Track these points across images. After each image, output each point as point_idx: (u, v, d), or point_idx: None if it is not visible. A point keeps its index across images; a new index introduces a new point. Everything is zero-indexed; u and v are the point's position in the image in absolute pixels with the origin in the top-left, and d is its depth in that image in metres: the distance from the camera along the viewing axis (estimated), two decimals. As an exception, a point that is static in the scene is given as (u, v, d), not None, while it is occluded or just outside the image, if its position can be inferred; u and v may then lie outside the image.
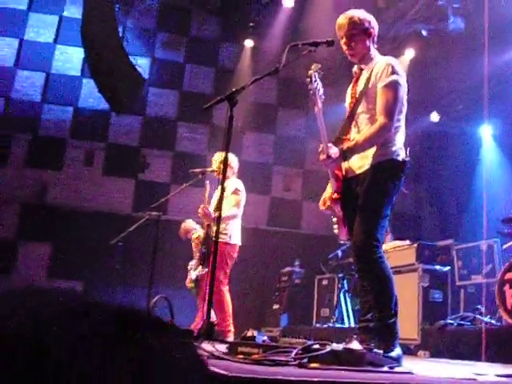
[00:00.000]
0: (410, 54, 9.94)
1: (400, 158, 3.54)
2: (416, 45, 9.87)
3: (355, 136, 3.61)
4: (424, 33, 9.55)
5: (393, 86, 3.49)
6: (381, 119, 3.46)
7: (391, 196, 3.53)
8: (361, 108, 3.61)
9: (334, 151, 3.47)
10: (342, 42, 3.70)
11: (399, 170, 3.54)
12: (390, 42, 9.23)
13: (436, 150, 10.96)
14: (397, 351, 3.26)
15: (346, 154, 3.48)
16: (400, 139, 3.59)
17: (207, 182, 5.99)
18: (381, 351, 2.79)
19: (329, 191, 3.78)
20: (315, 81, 3.47)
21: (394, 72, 3.51)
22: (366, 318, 3.45)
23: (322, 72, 3.50)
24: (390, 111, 3.46)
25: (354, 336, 2.85)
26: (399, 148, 3.56)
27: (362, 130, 3.60)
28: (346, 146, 3.50)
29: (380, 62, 3.61)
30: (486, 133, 9.99)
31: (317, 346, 2.51)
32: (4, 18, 11.19)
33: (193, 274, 7.41)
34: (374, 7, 8.53)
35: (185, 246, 7.58)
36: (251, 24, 10.82)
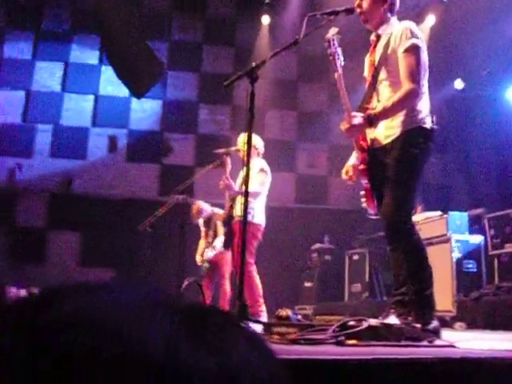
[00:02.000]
0: (430, 20, 9.73)
1: (427, 126, 3.43)
2: (436, 11, 9.65)
3: (377, 104, 3.52)
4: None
5: (414, 50, 3.38)
6: (406, 85, 3.34)
7: (421, 165, 3.43)
8: (381, 75, 3.51)
9: (358, 119, 3.37)
10: (356, 4, 3.61)
11: (427, 138, 3.43)
12: (410, 10, 9.04)
13: (462, 117, 10.73)
14: (434, 324, 3.19)
15: (372, 121, 3.38)
16: (425, 106, 3.48)
17: (228, 158, 6.03)
18: (419, 325, 2.72)
19: (352, 160, 3.70)
20: (334, 45, 3.38)
21: (413, 35, 3.40)
22: (400, 291, 3.37)
23: (340, 36, 3.40)
24: (416, 76, 3.35)
25: (391, 311, 2.78)
26: (426, 115, 3.45)
27: (382, 97, 3.51)
28: (372, 112, 3.41)
29: (397, 26, 3.51)
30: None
31: (353, 323, 2.45)
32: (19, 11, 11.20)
33: (210, 253, 7.46)
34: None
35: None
36: (267, 0, 10.66)
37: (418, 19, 9.32)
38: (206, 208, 7.85)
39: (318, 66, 11.17)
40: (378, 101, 3.53)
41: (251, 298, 5.65)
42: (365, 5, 3.58)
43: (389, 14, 3.61)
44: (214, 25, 11.75)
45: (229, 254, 7.23)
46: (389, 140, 3.46)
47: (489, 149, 10.11)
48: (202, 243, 7.77)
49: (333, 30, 3.41)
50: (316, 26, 3.48)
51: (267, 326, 2.72)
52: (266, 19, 11.06)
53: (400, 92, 3.36)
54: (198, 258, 7.63)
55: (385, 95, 3.49)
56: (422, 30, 8.87)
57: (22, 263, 9.94)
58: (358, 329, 2.34)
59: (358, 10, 3.60)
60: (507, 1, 8.29)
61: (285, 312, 2.84)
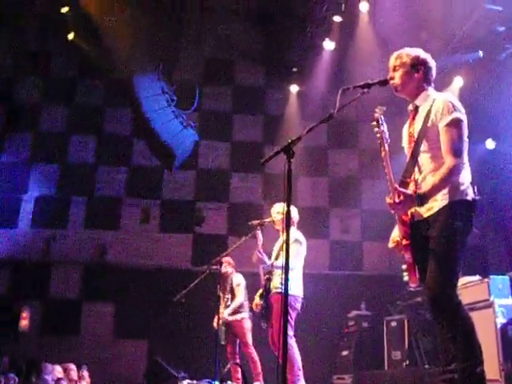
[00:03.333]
0: (458, 82, 9.76)
1: (469, 198, 3.39)
2: (464, 72, 9.69)
3: (418, 177, 3.49)
4: (471, 60, 9.37)
5: (456, 124, 3.38)
6: (449, 160, 3.33)
7: (464, 237, 3.36)
8: (422, 148, 3.49)
9: (403, 198, 3.31)
10: (389, 76, 3.64)
11: (470, 210, 3.39)
12: (437, 72, 9.08)
13: (495, 177, 10.63)
14: (487, 403, 3.05)
15: (422, 200, 3.34)
16: (467, 177, 3.45)
17: (258, 231, 6.03)
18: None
19: (397, 232, 3.64)
20: (381, 124, 3.38)
21: (455, 109, 3.40)
22: (449, 368, 3.24)
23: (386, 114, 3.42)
24: (458, 150, 3.35)
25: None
26: (467, 187, 3.42)
27: (424, 169, 3.48)
28: (421, 192, 3.37)
29: (438, 99, 3.50)
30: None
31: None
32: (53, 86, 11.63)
33: (225, 314, 7.29)
34: (418, 40, 8.44)
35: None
36: (294, 69, 10.85)
37: (446, 81, 9.38)
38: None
39: (348, 131, 11.26)
40: (420, 173, 3.50)
41: (290, 372, 5.49)
42: (397, 76, 3.61)
43: (424, 85, 3.62)
44: (243, 94, 11.99)
45: (247, 321, 7.15)
46: (431, 213, 3.42)
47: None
48: (220, 309, 7.66)
49: (380, 110, 3.43)
50: (350, 100, 3.49)
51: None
52: (294, 88, 11.23)
53: (443, 168, 3.34)
54: (215, 323, 7.39)
55: (426, 167, 3.48)
56: (452, 92, 8.90)
57: (57, 336, 9.91)
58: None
59: (391, 82, 3.61)
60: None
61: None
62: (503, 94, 9.35)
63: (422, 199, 3.35)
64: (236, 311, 7.36)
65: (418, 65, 3.61)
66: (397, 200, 3.34)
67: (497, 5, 8.28)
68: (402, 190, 3.35)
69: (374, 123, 3.41)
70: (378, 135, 3.41)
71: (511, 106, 9.44)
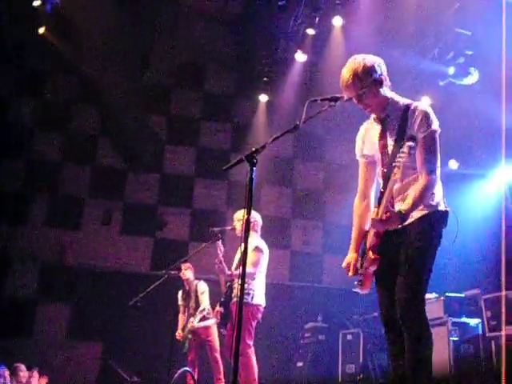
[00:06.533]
0: (425, 101, 9.88)
1: (442, 209, 3.42)
2: (431, 93, 9.83)
3: (397, 185, 3.41)
4: (441, 83, 9.51)
5: (433, 137, 3.35)
6: (425, 173, 3.31)
7: (435, 249, 3.38)
8: (398, 159, 3.38)
9: (389, 217, 3.24)
10: (355, 100, 3.52)
11: (442, 222, 3.41)
12: (404, 92, 9.17)
13: (456, 196, 10.79)
14: (436, 418, 3.07)
15: (404, 218, 3.28)
16: (440, 189, 3.46)
17: (219, 241, 6.01)
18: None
19: (353, 256, 3.58)
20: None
21: (431, 121, 3.35)
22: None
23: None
24: (434, 163, 3.34)
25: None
26: (440, 198, 3.44)
27: (404, 182, 3.44)
28: (402, 209, 3.29)
29: (413, 108, 3.40)
30: (505, 176, 9.82)
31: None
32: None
33: (195, 322, 7.29)
34: (390, 57, 8.53)
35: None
36: (265, 79, 10.86)
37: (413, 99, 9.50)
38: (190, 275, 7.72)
39: (314, 144, 11.32)
40: (401, 181, 3.44)
41: (246, 380, 5.47)
42: (363, 100, 3.51)
43: (388, 90, 3.55)
44: (212, 101, 11.93)
45: (215, 327, 7.16)
46: (407, 222, 3.35)
47: (483, 227, 10.11)
48: (181, 318, 7.64)
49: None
50: (316, 112, 3.48)
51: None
52: (263, 97, 11.23)
53: (421, 184, 3.32)
54: (179, 333, 7.44)
55: (405, 179, 3.44)
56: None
57: (8, 336, 9.65)
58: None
59: (359, 105, 3.54)
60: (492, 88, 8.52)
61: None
62: (466, 117, 9.52)
63: (404, 217, 3.28)
64: (205, 317, 7.35)
65: (377, 76, 3.48)
66: (383, 217, 3.27)
67: (466, 30, 8.48)
68: (391, 209, 3.29)
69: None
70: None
71: (473, 130, 9.61)
